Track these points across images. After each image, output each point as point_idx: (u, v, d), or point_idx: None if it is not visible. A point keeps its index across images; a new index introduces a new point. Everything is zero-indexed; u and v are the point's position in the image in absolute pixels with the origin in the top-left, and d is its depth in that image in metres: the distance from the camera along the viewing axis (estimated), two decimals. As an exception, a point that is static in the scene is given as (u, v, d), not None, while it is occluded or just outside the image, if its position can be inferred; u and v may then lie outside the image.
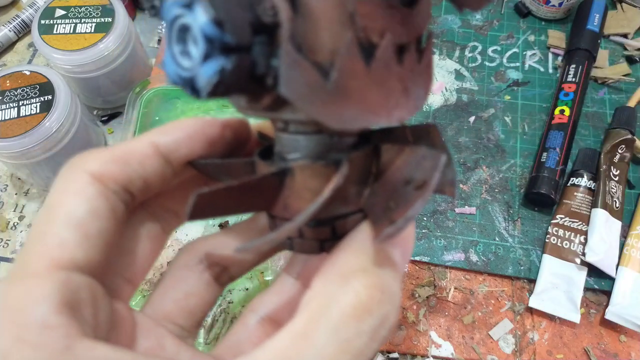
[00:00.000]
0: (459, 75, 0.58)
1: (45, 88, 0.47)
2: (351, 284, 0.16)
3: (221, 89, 0.15)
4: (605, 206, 0.46)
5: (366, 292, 0.16)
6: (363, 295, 0.16)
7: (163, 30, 0.64)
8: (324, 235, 0.19)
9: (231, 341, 0.24)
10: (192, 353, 0.22)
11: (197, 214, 0.18)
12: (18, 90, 0.47)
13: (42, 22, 0.51)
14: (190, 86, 0.15)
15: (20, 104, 0.46)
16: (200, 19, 0.14)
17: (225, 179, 0.21)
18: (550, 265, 0.46)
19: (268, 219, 0.21)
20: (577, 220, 0.47)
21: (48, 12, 0.52)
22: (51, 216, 0.18)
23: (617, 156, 0.49)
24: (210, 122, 0.21)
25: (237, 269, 0.24)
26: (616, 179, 0.48)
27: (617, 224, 0.46)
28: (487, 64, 0.59)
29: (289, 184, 0.18)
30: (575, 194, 0.48)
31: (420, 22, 0.18)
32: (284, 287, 0.24)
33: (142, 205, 0.22)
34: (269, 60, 0.15)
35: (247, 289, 0.46)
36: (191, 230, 0.49)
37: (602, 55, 0.58)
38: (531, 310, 0.45)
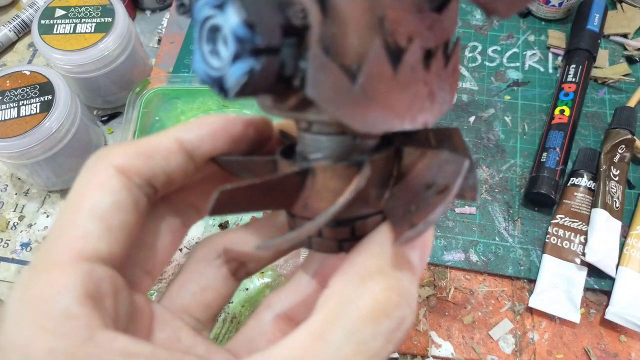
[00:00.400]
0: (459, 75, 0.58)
1: (45, 88, 0.47)
2: (369, 286, 0.16)
3: (249, 89, 0.15)
4: (605, 206, 0.46)
5: (384, 295, 0.16)
6: (381, 298, 0.16)
7: (163, 30, 0.64)
8: (343, 235, 0.19)
9: (245, 337, 0.24)
10: (207, 346, 0.22)
11: (218, 209, 0.18)
12: (18, 91, 0.47)
13: (42, 22, 0.51)
14: (219, 85, 0.16)
15: (20, 104, 0.46)
16: (231, 20, 0.14)
17: (247, 176, 0.22)
18: (550, 265, 0.46)
19: (287, 217, 0.21)
20: (577, 220, 0.47)
21: (48, 12, 0.52)
22: (75, 208, 0.18)
23: (617, 156, 0.49)
24: (234, 119, 0.21)
25: (254, 264, 0.25)
26: (616, 179, 0.48)
27: (617, 224, 0.46)
28: (487, 64, 0.59)
29: (310, 183, 0.19)
30: (575, 194, 0.48)
31: (448, 27, 0.18)
32: (300, 285, 0.24)
33: (164, 199, 0.22)
34: (297, 61, 0.15)
35: (247, 289, 0.46)
36: (194, 230, 0.49)
37: (602, 55, 0.58)
38: (531, 310, 0.45)
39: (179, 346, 0.21)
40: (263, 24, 0.14)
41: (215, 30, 0.15)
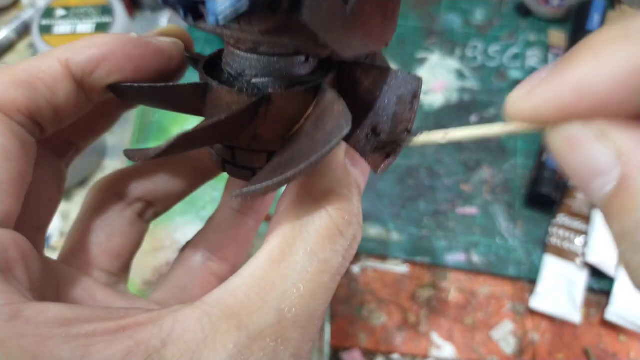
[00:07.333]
0: (460, 75, 0.58)
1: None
2: (323, 207, 0.16)
3: (244, 15, 0.14)
4: (605, 206, 0.46)
5: (337, 214, 0.16)
6: (335, 217, 0.16)
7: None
8: None
9: (174, 285, 0.22)
10: (129, 301, 0.20)
11: (165, 153, 0.16)
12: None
13: (43, 22, 0.51)
14: (192, 9, 0.14)
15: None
16: None
17: (160, 105, 0.19)
18: (551, 265, 0.46)
19: (220, 151, 0.19)
20: (578, 221, 0.47)
21: (48, 13, 0.52)
22: None
23: (618, 156, 0.49)
24: (137, 41, 0.18)
25: (162, 203, 0.23)
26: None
27: (617, 225, 0.46)
28: (488, 63, 0.59)
29: (263, 112, 0.17)
30: (576, 194, 0.48)
31: None
32: (226, 222, 0.23)
33: (41, 140, 0.18)
34: None
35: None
36: (191, 230, 0.49)
37: (603, 55, 0.58)
38: (532, 311, 0.45)
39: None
40: None
41: None
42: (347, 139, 0.18)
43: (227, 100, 0.17)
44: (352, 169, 0.17)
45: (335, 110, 0.16)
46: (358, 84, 0.18)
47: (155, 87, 0.18)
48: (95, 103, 0.18)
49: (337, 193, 0.16)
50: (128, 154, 0.18)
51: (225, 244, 0.23)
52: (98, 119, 0.21)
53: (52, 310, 0.13)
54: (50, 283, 0.18)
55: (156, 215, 0.23)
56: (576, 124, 0.13)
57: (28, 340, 0.12)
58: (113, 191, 0.21)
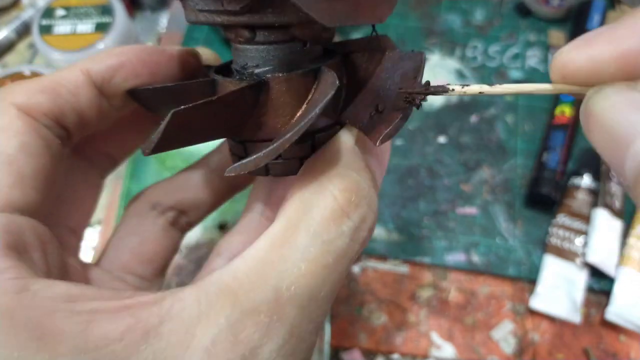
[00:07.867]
0: (460, 75, 0.58)
1: (46, 88, 0.47)
2: (328, 189, 0.16)
3: None
4: (606, 206, 0.46)
5: (342, 195, 0.16)
6: (340, 199, 0.16)
7: (164, 29, 0.64)
8: (305, 151, 0.18)
9: None
10: None
11: (165, 141, 0.16)
12: (18, 91, 0.47)
13: (43, 22, 0.51)
14: None
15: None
16: None
17: (172, 108, 0.19)
18: (551, 265, 0.46)
19: (233, 147, 0.19)
20: (578, 221, 0.47)
21: (48, 13, 0.52)
22: None
23: (618, 156, 0.49)
24: (151, 49, 0.19)
25: (195, 212, 0.24)
26: (617, 179, 0.48)
27: (617, 224, 0.46)
28: (488, 63, 0.59)
29: (264, 100, 0.17)
30: (576, 194, 0.48)
31: None
32: (250, 226, 0.23)
33: (77, 151, 0.20)
34: None
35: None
36: (192, 230, 0.48)
37: (603, 55, 0.58)
38: (532, 311, 0.45)
39: None
40: None
41: None
42: (351, 120, 0.18)
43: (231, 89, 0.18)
44: (364, 155, 0.17)
45: (325, 83, 0.16)
46: (362, 69, 0.19)
47: (167, 87, 0.18)
48: (117, 109, 0.19)
49: (344, 175, 0.16)
50: (140, 147, 0.19)
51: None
52: (130, 133, 0.22)
53: (58, 286, 0.14)
54: (79, 282, 0.18)
55: (190, 224, 0.24)
56: (622, 84, 0.13)
57: (34, 313, 0.13)
58: (147, 201, 0.23)
